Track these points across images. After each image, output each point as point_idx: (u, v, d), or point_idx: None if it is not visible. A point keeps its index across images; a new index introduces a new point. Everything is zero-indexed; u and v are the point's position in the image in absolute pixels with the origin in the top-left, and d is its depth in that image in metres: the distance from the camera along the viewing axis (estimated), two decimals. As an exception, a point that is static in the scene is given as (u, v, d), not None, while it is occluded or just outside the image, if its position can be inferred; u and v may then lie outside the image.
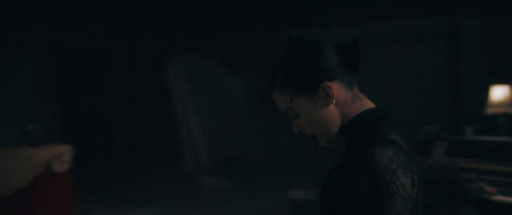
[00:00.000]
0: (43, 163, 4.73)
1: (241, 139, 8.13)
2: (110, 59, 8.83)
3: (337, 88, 1.32)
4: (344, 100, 1.33)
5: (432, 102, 6.78)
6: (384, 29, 7.22)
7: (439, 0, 6.65)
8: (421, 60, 7.00)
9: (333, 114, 1.33)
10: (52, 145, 4.89)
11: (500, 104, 4.69)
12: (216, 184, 7.61)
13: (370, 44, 7.15)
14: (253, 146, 8.04)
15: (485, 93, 4.83)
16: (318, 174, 1.66)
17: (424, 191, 1.28)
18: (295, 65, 1.32)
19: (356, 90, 1.35)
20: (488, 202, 3.73)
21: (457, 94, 6.67)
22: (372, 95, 1.40)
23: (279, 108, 1.36)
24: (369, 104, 1.36)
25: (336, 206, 1.21)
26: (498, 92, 4.75)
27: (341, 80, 1.33)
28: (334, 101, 1.32)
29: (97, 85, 8.64)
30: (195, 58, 8.37)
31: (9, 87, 7.08)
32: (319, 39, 1.34)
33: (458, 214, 3.40)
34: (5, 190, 4.51)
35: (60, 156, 4.84)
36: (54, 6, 7.64)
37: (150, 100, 8.84)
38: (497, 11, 6.12)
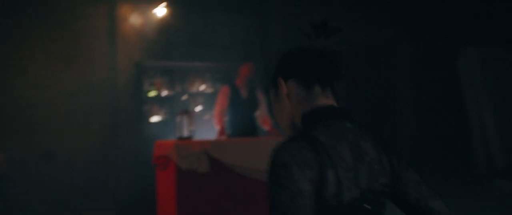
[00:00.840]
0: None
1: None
2: (398, 51, 8.71)
3: (291, 87, 1.49)
4: (298, 98, 1.49)
5: None
6: None
7: None
8: None
9: (286, 107, 1.51)
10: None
11: None
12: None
13: None
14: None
15: None
16: None
17: (360, 186, 1.36)
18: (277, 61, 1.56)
19: (319, 92, 1.47)
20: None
21: None
22: None
23: None
24: (325, 103, 1.47)
25: None
26: None
27: (298, 80, 1.48)
28: (287, 96, 1.50)
29: (382, 78, 8.63)
30: (492, 49, 7.66)
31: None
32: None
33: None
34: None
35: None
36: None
37: (437, 93, 8.45)
38: None
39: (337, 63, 1.50)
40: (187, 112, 5.28)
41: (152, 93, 6.89)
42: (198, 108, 7.13)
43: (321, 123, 1.41)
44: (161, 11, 6.88)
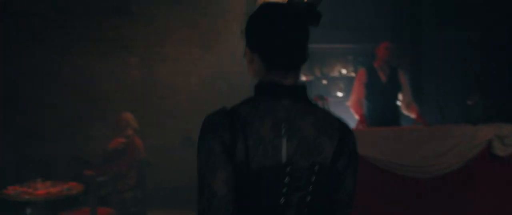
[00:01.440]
0: (482, 143, 4.14)
1: None
2: None
3: (255, 57, 1.54)
4: (257, 69, 1.55)
5: None
6: None
7: None
8: None
9: (252, 72, 1.58)
10: (495, 124, 4.22)
11: None
12: None
13: None
14: None
15: None
16: None
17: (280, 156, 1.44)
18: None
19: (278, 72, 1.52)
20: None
21: None
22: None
23: None
24: (273, 79, 1.52)
25: None
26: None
27: (260, 54, 1.52)
28: (250, 64, 1.57)
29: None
30: None
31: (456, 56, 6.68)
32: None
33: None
34: (440, 169, 4.14)
35: (503, 137, 4.13)
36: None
37: None
38: None
39: (302, 44, 1.53)
40: (321, 97, 4.83)
41: (289, 79, 6.52)
42: (339, 94, 6.63)
43: (254, 98, 1.53)
44: (300, -11, 6.47)
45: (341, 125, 1.55)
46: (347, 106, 5.95)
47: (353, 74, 6.66)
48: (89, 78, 6.37)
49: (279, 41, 1.50)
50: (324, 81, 6.52)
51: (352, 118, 5.28)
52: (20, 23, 6.09)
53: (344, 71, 6.77)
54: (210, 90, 6.62)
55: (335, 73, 6.65)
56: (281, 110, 1.49)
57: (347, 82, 6.65)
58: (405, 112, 5.08)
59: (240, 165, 1.43)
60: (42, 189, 4.55)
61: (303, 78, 6.57)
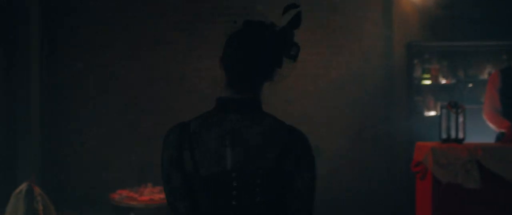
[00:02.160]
0: None
1: None
2: None
3: (221, 72, 1.77)
4: (223, 83, 1.76)
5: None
6: None
7: None
8: None
9: (220, 86, 1.77)
10: None
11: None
12: None
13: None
14: None
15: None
16: None
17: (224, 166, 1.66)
18: None
19: (232, 86, 1.74)
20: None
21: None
22: None
23: None
24: (227, 93, 1.74)
25: None
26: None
27: (223, 69, 1.76)
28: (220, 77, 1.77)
29: None
30: None
31: None
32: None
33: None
34: None
35: None
36: None
37: None
38: None
39: (260, 67, 1.76)
40: (454, 105, 4.04)
41: (426, 81, 5.71)
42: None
43: (208, 112, 1.76)
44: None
45: (288, 133, 1.71)
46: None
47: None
48: (214, 81, 6.23)
49: (234, 61, 1.73)
50: (470, 85, 5.58)
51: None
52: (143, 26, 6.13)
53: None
54: (340, 94, 6.08)
55: (484, 76, 5.65)
56: (228, 122, 1.69)
57: (499, 86, 5.59)
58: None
59: (191, 173, 1.68)
60: (147, 194, 4.45)
61: (443, 81, 5.70)
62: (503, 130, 4.09)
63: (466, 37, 5.67)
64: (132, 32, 6.15)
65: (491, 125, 4.20)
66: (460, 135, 3.99)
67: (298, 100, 6.17)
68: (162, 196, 4.43)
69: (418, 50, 5.76)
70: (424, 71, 5.68)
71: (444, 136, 4.03)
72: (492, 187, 3.69)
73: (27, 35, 5.87)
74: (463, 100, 4.71)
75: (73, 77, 6.28)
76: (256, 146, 1.66)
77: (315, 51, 6.16)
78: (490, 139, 4.34)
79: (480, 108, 4.44)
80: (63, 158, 6.15)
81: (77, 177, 6.05)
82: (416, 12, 5.93)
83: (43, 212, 4.31)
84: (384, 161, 5.92)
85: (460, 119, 4.02)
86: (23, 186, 4.36)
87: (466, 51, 5.70)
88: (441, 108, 4.19)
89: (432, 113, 5.72)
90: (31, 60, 5.90)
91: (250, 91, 1.75)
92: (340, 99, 6.06)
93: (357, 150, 6.01)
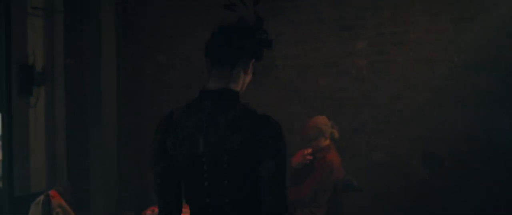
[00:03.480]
0: None
1: None
2: None
3: (206, 63, 1.92)
4: (207, 76, 1.91)
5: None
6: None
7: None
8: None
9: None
10: None
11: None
12: None
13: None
14: None
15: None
16: None
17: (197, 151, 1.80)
18: None
19: (214, 73, 1.88)
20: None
21: None
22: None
23: None
24: (208, 86, 1.88)
25: None
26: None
27: (207, 59, 1.91)
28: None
29: None
30: None
31: None
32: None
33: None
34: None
35: None
36: None
37: None
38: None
39: (235, 44, 1.87)
40: None
41: None
42: None
43: (192, 101, 1.88)
44: None
45: (256, 120, 1.78)
46: None
47: None
48: (302, 71, 5.09)
49: (210, 52, 1.90)
50: None
51: None
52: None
53: None
54: (465, 85, 4.48)
55: None
56: (204, 111, 1.83)
57: None
58: None
59: (173, 157, 1.84)
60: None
61: None
62: None
63: None
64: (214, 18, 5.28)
65: None
66: None
67: (408, 95, 4.71)
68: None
69: None
70: None
71: None
72: None
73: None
74: None
75: (152, 70, 5.67)
76: (225, 132, 1.75)
77: (433, 28, 4.64)
78: None
79: None
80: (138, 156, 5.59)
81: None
82: None
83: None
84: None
85: None
86: (41, 198, 3.90)
87: None
88: None
89: None
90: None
91: (227, 81, 1.85)
92: (466, 91, 4.47)
93: (488, 160, 4.37)
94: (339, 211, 4.09)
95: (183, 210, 1.93)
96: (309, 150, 3.94)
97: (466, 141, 4.44)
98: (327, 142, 4.05)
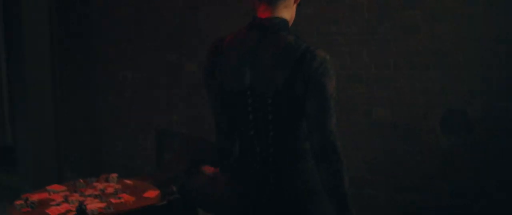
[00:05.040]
0: None
1: None
2: None
3: None
4: (253, 7, 1.81)
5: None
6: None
7: None
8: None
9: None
10: None
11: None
12: None
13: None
14: None
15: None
16: None
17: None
18: None
19: (260, 5, 1.77)
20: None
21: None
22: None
23: None
24: (254, 13, 1.79)
25: None
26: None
27: None
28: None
29: None
30: None
31: None
32: None
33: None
34: None
35: None
36: None
37: None
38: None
39: None
40: None
41: None
42: None
43: (238, 30, 1.80)
44: None
45: (303, 54, 1.65)
46: None
47: None
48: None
49: None
50: None
51: None
52: None
53: None
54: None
55: None
56: (248, 42, 1.74)
57: None
58: None
59: (220, 86, 1.78)
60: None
61: None
62: None
63: None
64: None
65: None
66: None
67: (426, 27, 3.31)
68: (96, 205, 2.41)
69: None
70: None
71: None
72: None
73: None
74: None
75: None
76: (270, 65, 1.68)
77: None
78: None
79: None
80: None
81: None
82: None
83: None
84: None
85: None
86: None
87: None
88: None
89: None
90: None
91: (274, 10, 1.75)
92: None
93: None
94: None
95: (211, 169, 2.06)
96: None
97: (509, 97, 3.08)
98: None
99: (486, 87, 3.17)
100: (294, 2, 1.79)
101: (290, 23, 1.78)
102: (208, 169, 3.10)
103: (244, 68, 1.72)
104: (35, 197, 2.69)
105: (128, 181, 3.00)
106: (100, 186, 2.89)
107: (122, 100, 5.01)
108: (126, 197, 2.67)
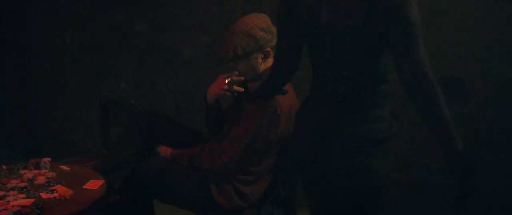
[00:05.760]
0: None
1: None
2: None
3: None
4: None
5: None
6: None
7: None
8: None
9: None
10: None
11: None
12: None
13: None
14: None
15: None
16: None
17: None
18: None
19: None
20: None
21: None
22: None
23: None
24: None
25: None
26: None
27: None
28: None
29: None
30: None
31: None
32: None
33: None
34: None
35: None
36: None
37: None
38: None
39: None
40: None
41: None
42: None
43: None
44: None
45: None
46: None
47: None
48: None
49: None
50: None
51: None
52: None
53: None
54: None
55: None
56: None
57: None
58: None
59: (299, 24, 1.75)
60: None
61: None
62: None
63: None
64: None
65: None
66: None
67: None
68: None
69: None
70: None
71: None
72: None
73: None
74: None
75: None
76: (346, 3, 1.62)
77: None
78: None
79: None
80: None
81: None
82: None
83: None
84: None
85: None
86: None
87: None
88: None
89: None
90: None
91: None
92: None
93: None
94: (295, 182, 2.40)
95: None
96: (233, 76, 2.35)
97: None
98: (270, 61, 2.33)
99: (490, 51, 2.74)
100: None
101: None
102: (165, 150, 2.60)
103: (321, 7, 1.67)
104: None
105: (64, 167, 2.40)
106: (28, 174, 2.29)
107: (60, 67, 4.40)
108: (61, 190, 2.08)
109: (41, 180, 2.23)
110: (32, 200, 1.98)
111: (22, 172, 2.34)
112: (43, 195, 2.05)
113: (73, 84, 4.35)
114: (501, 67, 2.79)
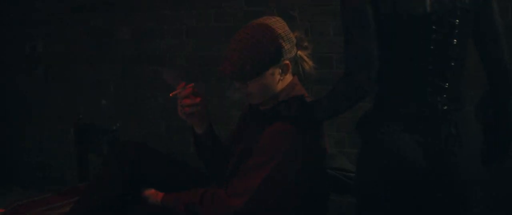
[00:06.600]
0: None
1: None
2: None
3: None
4: None
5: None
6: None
7: None
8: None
9: None
10: None
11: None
12: None
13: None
14: None
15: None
16: None
17: None
18: None
19: None
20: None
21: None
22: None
23: None
24: None
25: None
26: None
27: None
28: None
29: None
30: None
31: None
32: None
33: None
34: None
35: None
36: None
37: None
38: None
39: None
40: None
41: None
42: None
43: None
44: None
45: None
46: None
47: None
48: None
49: None
50: None
51: None
52: None
53: None
54: None
55: None
56: None
57: None
58: None
59: (389, 15, 1.54)
60: None
61: None
62: None
63: None
64: None
65: None
66: None
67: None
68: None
69: None
70: None
71: None
72: None
73: None
74: None
75: None
76: None
77: None
78: None
79: None
80: None
81: None
82: None
83: None
84: None
85: None
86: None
87: None
88: None
89: None
90: None
91: None
92: None
93: None
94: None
95: None
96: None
97: None
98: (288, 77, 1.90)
99: None
100: None
101: None
102: (155, 195, 2.11)
103: None
104: None
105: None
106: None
107: (32, 80, 4.02)
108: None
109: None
110: None
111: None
112: None
113: (47, 102, 3.97)
114: None
